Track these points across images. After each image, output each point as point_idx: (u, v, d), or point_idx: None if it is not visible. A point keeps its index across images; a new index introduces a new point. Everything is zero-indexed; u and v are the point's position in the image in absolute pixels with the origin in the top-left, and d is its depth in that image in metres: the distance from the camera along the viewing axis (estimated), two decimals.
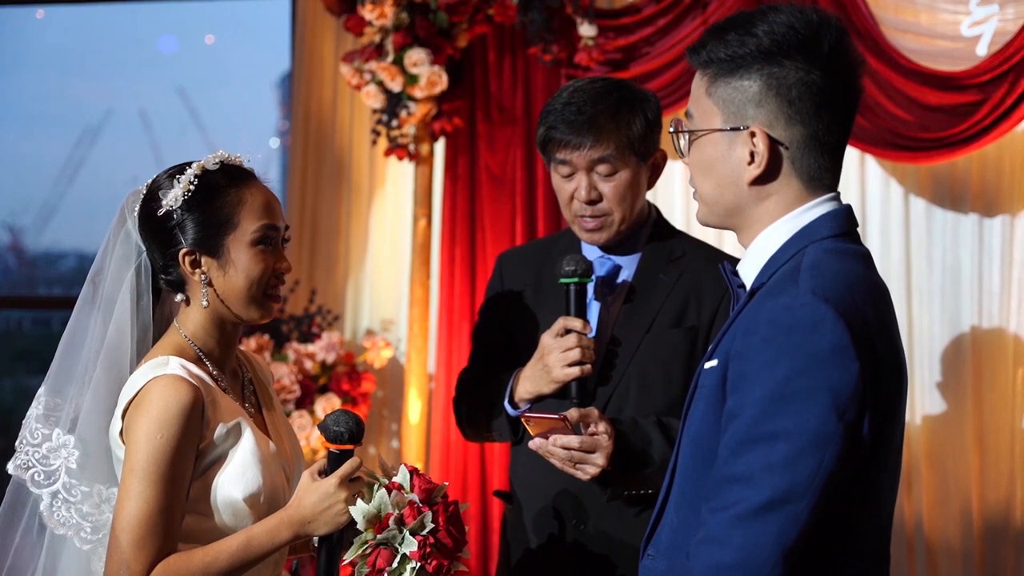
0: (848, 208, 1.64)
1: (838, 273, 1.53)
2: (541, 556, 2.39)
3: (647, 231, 2.43)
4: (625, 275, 2.41)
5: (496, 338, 2.52)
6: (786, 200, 1.61)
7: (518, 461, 2.46)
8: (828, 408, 1.45)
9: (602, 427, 2.18)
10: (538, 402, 2.33)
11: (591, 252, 2.42)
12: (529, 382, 2.32)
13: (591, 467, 2.17)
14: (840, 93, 1.58)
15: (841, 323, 1.46)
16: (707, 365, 1.61)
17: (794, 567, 1.46)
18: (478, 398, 2.46)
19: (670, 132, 1.71)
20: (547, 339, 2.29)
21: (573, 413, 2.16)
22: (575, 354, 2.25)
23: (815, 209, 1.60)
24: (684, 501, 1.63)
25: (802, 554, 1.47)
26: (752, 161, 1.58)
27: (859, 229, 4.18)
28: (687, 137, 1.66)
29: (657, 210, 2.48)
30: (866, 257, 1.62)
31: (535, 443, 2.19)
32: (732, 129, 1.59)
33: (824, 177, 1.61)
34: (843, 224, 1.61)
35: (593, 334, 2.31)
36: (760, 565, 1.44)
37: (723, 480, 1.50)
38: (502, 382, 2.39)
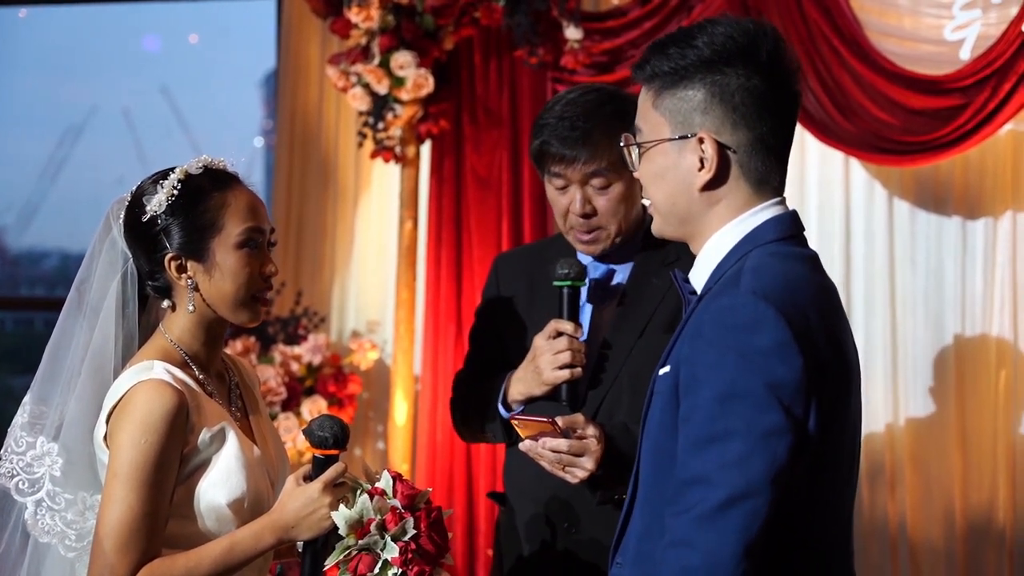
0: (793, 213, 1.69)
1: (778, 274, 1.58)
2: (532, 559, 2.40)
3: (641, 236, 2.42)
4: (619, 279, 2.41)
5: (491, 339, 2.53)
6: (735, 204, 1.65)
7: (511, 463, 2.47)
8: (775, 403, 1.49)
9: (591, 431, 2.19)
10: (530, 404, 2.34)
11: (585, 256, 2.43)
12: (521, 383, 2.33)
13: (580, 471, 2.18)
14: (780, 97, 1.64)
15: (781, 320, 1.51)
16: (661, 372, 1.66)
17: (757, 564, 1.48)
18: (472, 399, 2.47)
19: (620, 146, 1.75)
20: (539, 341, 2.30)
21: (566, 419, 2.17)
22: (565, 357, 2.26)
23: (760, 214, 1.65)
24: (648, 508, 1.65)
25: (764, 550, 1.49)
26: (702, 167, 1.63)
27: (843, 232, 4.18)
28: (637, 151, 1.71)
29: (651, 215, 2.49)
30: (812, 259, 1.67)
31: (525, 445, 2.20)
32: (681, 137, 1.64)
33: (771, 179, 1.66)
34: (788, 228, 1.66)
35: (585, 337, 2.32)
36: (725, 563, 1.47)
37: (682, 483, 1.53)
38: (496, 383, 2.39)
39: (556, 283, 2.31)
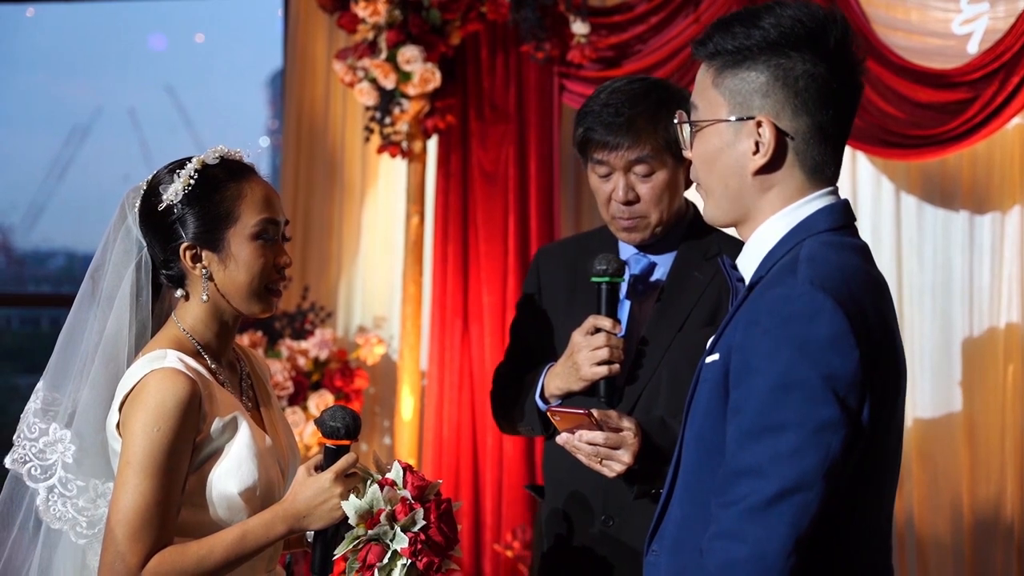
0: (846, 202, 1.65)
1: (835, 264, 1.55)
2: (570, 551, 2.38)
3: (683, 229, 2.42)
4: (659, 273, 2.40)
5: (531, 333, 2.52)
6: (787, 192, 1.62)
7: (550, 457, 2.46)
8: (831, 396, 1.45)
9: (627, 424, 2.17)
10: (567, 399, 2.33)
11: (627, 249, 2.42)
12: (559, 379, 2.32)
13: (617, 464, 2.16)
14: (844, 87, 1.61)
15: (839, 311, 1.47)
16: (708, 360, 1.62)
17: (805, 558, 1.46)
18: (511, 392, 2.46)
19: (674, 123, 1.72)
20: (577, 337, 2.28)
21: (603, 412, 2.16)
22: (603, 353, 2.25)
23: (813, 203, 1.62)
24: (689, 497, 1.63)
25: (812, 543, 1.47)
26: (757, 151, 1.60)
27: None
28: (690, 129, 1.67)
29: (695, 208, 2.46)
30: (864, 250, 1.63)
31: (562, 438, 2.19)
32: (739, 119, 1.60)
33: (826, 169, 1.63)
34: (841, 218, 1.62)
35: (623, 333, 2.30)
36: (775, 557, 1.44)
37: (732, 474, 1.50)
38: (534, 377, 2.39)
39: (594, 279, 2.30)
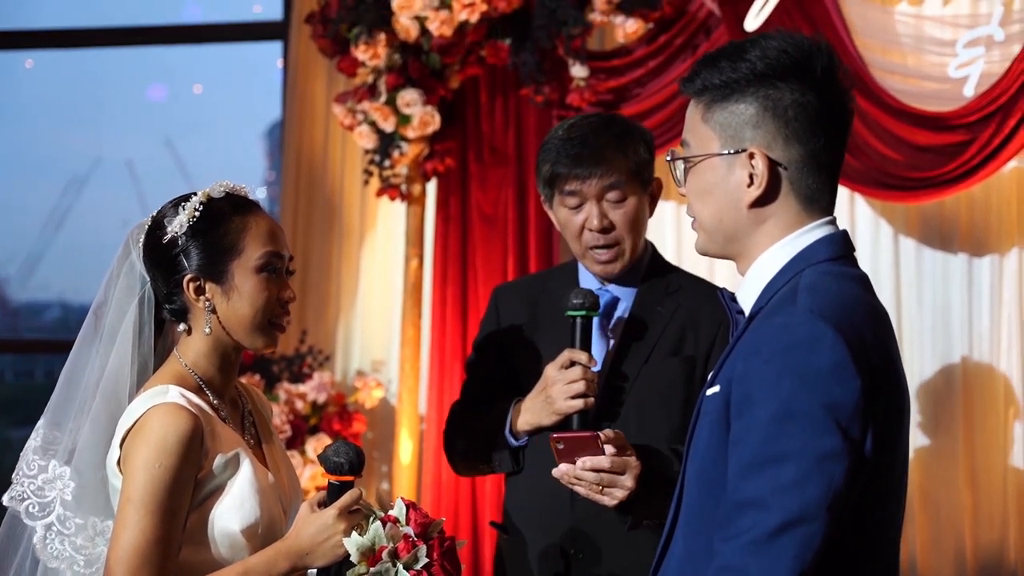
0: (844, 232, 1.65)
1: (835, 294, 1.54)
2: None
3: (644, 265, 2.45)
4: (623, 308, 2.42)
5: (491, 371, 2.52)
6: (784, 223, 1.62)
7: (515, 491, 2.45)
8: (832, 425, 1.44)
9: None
10: (537, 434, 2.32)
11: (589, 284, 2.43)
12: (530, 413, 2.31)
13: (619, 490, 2.14)
14: (834, 115, 1.61)
15: (840, 340, 1.47)
16: (709, 392, 1.61)
17: None
18: (475, 429, 2.45)
19: (667, 160, 1.72)
20: (551, 371, 2.28)
21: (609, 432, 2.14)
22: (579, 386, 2.24)
23: (811, 233, 1.62)
24: (692, 531, 1.61)
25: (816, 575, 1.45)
26: (751, 183, 1.60)
27: None
28: (683, 165, 1.68)
29: (653, 246, 2.51)
30: (864, 280, 1.63)
31: (560, 470, 2.16)
32: (731, 152, 1.61)
33: (822, 198, 1.63)
34: (840, 248, 1.62)
35: (598, 368, 2.31)
36: None
37: (734, 506, 1.48)
38: (501, 413, 2.38)
39: (570, 313, 2.30)
